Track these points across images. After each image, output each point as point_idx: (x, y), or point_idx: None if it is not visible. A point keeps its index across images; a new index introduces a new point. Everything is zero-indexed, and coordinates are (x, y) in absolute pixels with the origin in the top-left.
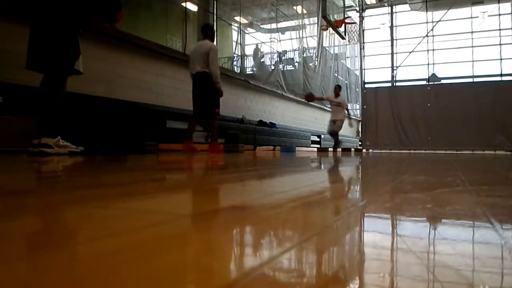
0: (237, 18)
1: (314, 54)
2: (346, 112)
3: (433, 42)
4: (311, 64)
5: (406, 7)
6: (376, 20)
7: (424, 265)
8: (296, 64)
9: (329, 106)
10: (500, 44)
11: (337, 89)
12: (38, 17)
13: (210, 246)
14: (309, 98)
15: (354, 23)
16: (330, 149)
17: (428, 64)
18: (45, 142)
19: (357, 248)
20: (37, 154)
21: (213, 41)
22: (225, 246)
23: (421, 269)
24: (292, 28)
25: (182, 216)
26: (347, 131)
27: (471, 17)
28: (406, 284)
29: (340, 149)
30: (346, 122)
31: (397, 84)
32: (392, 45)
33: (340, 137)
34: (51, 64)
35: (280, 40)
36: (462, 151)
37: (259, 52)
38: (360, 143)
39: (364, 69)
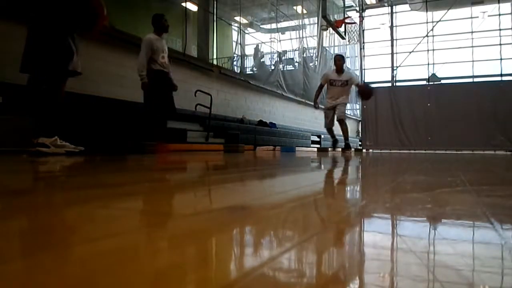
0: (237, 18)
1: (314, 54)
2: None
3: (433, 42)
4: (311, 64)
5: (406, 7)
6: (376, 20)
7: (424, 265)
8: (296, 64)
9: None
10: (500, 44)
11: (340, 60)
12: (34, 20)
13: (211, 246)
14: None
15: (354, 23)
16: (330, 149)
17: (428, 64)
18: (42, 141)
19: (357, 248)
20: (34, 154)
21: (159, 31)
22: (225, 246)
23: (421, 269)
24: (292, 28)
25: (182, 216)
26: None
27: (471, 17)
28: (406, 284)
29: (351, 151)
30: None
31: (397, 84)
32: (392, 45)
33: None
34: (43, 66)
35: (280, 40)
36: (462, 151)
37: (259, 52)
38: (360, 143)
39: (364, 69)
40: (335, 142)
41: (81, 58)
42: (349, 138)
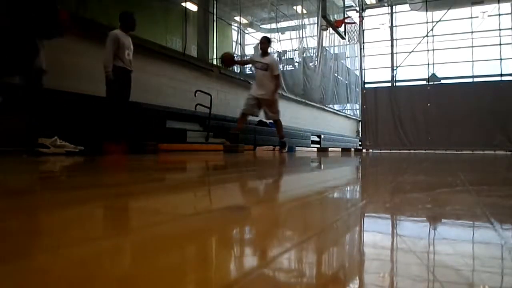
0: (237, 18)
1: (314, 54)
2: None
3: (433, 42)
4: (311, 64)
5: (406, 7)
6: (376, 20)
7: (424, 265)
8: (296, 64)
9: (329, 106)
10: (500, 44)
11: (265, 42)
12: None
13: (210, 246)
14: (228, 62)
15: (354, 23)
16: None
17: (428, 64)
18: (42, 142)
19: (357, 248)
20: (34, 154)
21: (126, 28)
22: (224, 246)
23: (421, 269)
24: (292, 28)
25: (182, 216)
26: (347, 131)
27: (471, 17)
28: (406, 284)
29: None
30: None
31: (397, 84)
32: (392, 45)
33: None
34: (10, 64)
35: (280, 40)
36: (462, 151)
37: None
38: (360, 143)
39: (364, 69)
40: (235, 136)
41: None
42: (349, 138)
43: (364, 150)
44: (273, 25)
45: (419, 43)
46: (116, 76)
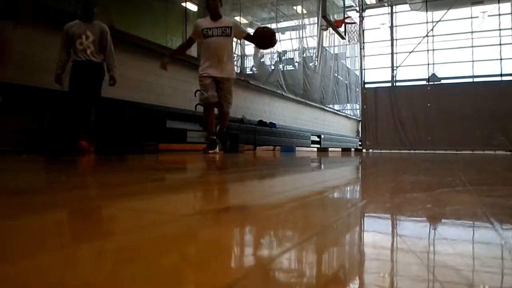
0: (237, 18)
1: (314, 54)
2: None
3: (433, 42)
4: (311, 64)
5: (406, 7)
6: (376, 20)
7: (424, 265)
8: (296, 64)
9: (329, 106)
10: (500, 44)
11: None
12: None
13: (210, 246)
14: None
15: (354, 23)
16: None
17: (428, 64)
18: None
19: (357, 248)
20: None
21: (82, 17)
22: (225, 246)
23: (421, 269)
24: (292, 28)
25: (182, 216)
26: (347, 131)
27: (471, 17)
28: (406, 284)
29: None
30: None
31: (397, 84)
32: (392, 45)
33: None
34: None
35: (280, 40)
36: (462, 151)
37: (259, 52)
38: (360, 143)
39: (364, 69)
40: (212, 142)
41: None
42: (349, 138)
43: (364, 150)
44: (273, 25)
45: (419, 43)
46: (71, 71)
